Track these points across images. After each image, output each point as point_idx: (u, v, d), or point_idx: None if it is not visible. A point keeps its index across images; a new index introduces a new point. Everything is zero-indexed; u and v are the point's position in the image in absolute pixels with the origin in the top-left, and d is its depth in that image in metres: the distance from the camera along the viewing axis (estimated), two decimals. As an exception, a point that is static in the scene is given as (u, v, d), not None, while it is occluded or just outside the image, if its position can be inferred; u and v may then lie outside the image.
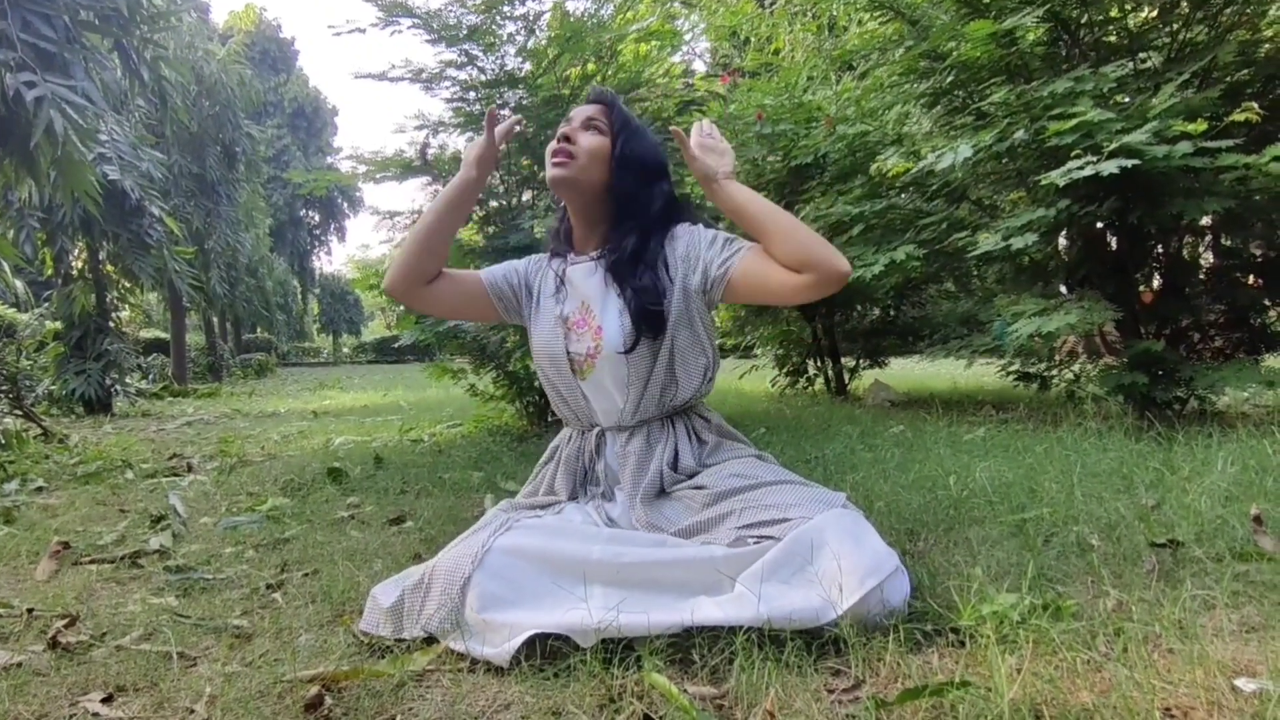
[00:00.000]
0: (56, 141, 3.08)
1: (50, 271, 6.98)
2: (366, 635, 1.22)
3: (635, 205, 1.43)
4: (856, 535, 1.14)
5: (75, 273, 7.11)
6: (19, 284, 8.52)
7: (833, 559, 1.10)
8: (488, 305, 1.51)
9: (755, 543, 1.18)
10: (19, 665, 1.16)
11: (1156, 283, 3.47)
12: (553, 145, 1.42)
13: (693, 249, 1.41)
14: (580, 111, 1.47)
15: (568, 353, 1.43)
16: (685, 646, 1.09)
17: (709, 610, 1.10)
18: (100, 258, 7.11)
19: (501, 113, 1.44)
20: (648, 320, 1.37)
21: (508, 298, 1.52)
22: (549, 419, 3.73)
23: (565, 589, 1.13)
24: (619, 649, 1.07)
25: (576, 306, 1.45)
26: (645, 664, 1.02)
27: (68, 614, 1.37)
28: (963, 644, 1.08)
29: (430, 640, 1.17)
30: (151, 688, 1.08)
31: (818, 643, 1.08)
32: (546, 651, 1.09)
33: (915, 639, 1.09)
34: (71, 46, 3.29)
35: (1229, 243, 3.60)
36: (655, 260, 1.42)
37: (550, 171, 1.42)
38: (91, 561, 1.77)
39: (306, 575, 1.59)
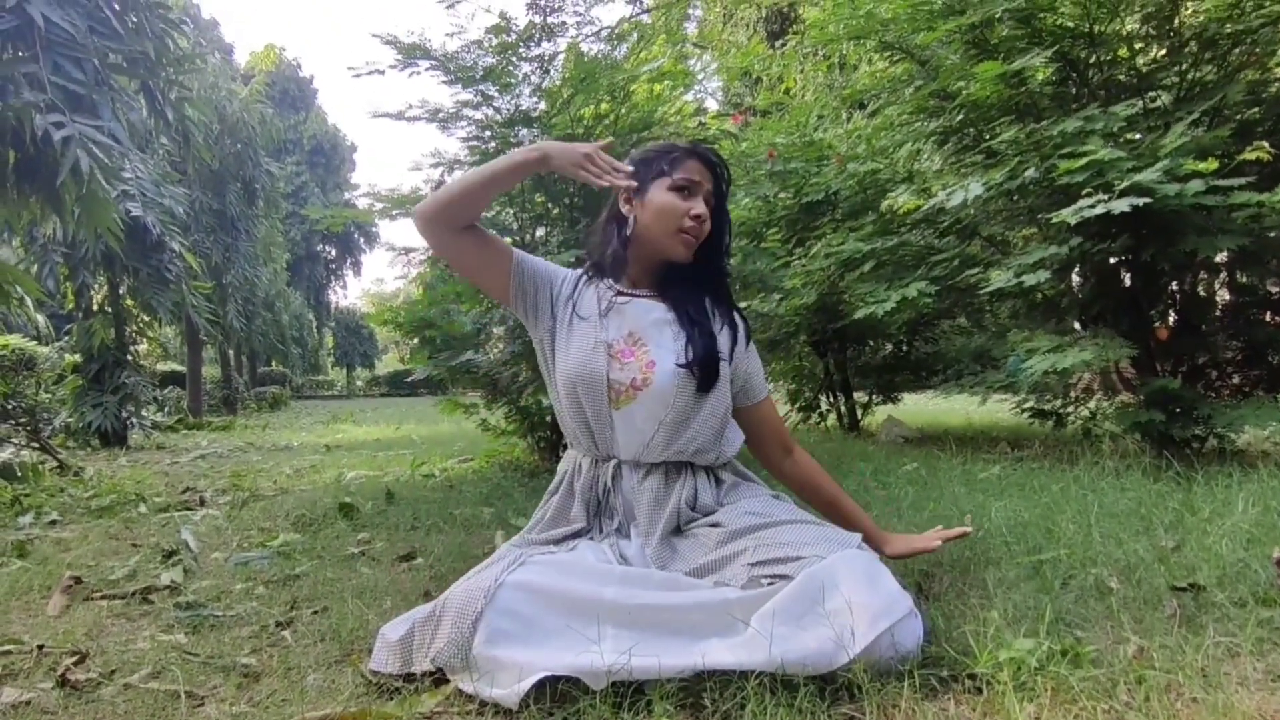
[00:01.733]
0: (82, 180, 3.15)
1: (71, 305, 7.10)
2: (375, 675, 1.21)
3: (710, 264, 1.51)
4: (870, 575, 1.13)
5: (96, 307, 7.22)
6: (40, 318, 8.66)
7: (845, 599, 1.09)
8: (503, 278, 1.47)
9: (769, 583, 1.16)
10: (28, 703, 1.16)
11: (1172, 319, 3.45)
12: (687, 221, 1.41)
13: (745, 361, 1.52)
14: (703, 176, 1.45)
15: (608, 379, 1.41)
16: (696, 690, 1.07)
17: (721, 654, 1.08)
18: (120, 292, 7.22)
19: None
20: (706, 370, 1.41)
21: (528, 285, 1.48)
22: (560, 454, 3.71)
23: (577, 629, 1.12)
24: (629, 692, 1.06)
25: (622, 336, 1.44)
26: (656, 708, 1.01)
27: (77, 651, 1.36)
28: (979, 690, 1.05)
29: (439, 682, 1.16)
30: (158, 728, 1.08)
31: (831, 688, 1.07)
32: (556, 694, 1.08)
33: (931, 685, 1.07)
34: (100, 88, 3.38)
35: (1245, 280, 3.58)
36: (713, 316, 1.50)
37: (679, 249, 1.43)
38: (103, 597, 1.77)
39: (316, 613, 1.59)
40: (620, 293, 1.48)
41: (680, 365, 1.40)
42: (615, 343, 1.43)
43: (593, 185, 1.40)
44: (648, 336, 1.43)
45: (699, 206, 1.42)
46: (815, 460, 1.58)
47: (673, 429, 1.39)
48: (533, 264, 1.50)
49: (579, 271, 1.54)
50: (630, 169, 1.42)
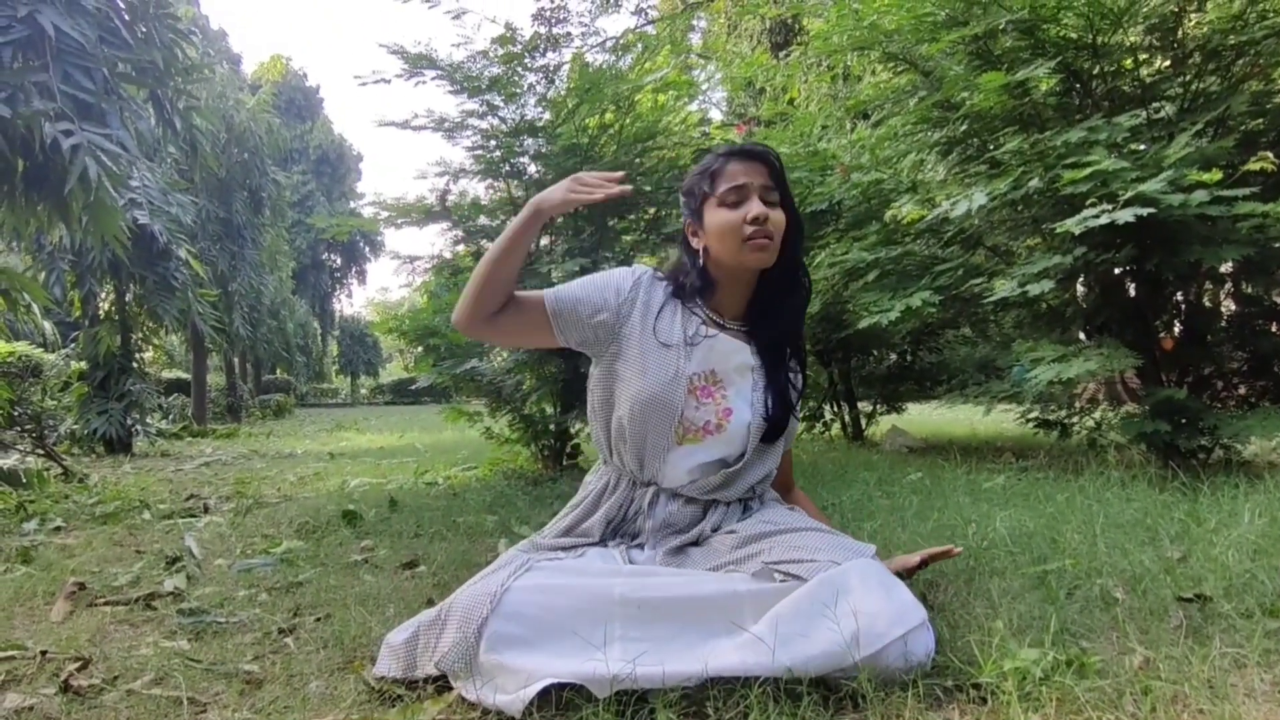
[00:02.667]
0: (90, 187, 3.17)
1: (78, 313, 7.12)
2: (379, 680, 1.21)
3: (790, 279, 1.44)
4: (885, 585, 1.13)
5: (102, 314, 7.24)
6: (47, 325, 8.68)
7: (858, 605, 1.09)
8: (544, 330, 1.40)
9: (781, 579, 1.16)
10: (30, 709, 1.16)
11: (1177, 330, 3.44)
12: (748, 228, 1.34)
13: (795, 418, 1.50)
14: (749, 175, 1.36)
15: (681, 413, 1.36)
16: (700, 699, 1.07)
17: (727, 658, 1.08)
18: (127, 299, 7.24)
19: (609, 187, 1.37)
20: (776, 425, 1.41)
21: (570, 324, 1.39)
22: (564, 463, 3.71)
23: (583, 633, 1.11)
24: (632, 700, 1.05)
25: (704, 372, 1.39)
26: (659, 716, 1.01)
27: (80, 657, 1.37)
28: (984, 701, 1.05)
29: (442, 689, 1.16)
30: (161, 734, 1.07)
31: (835, 697, 1.06)
32: (561, 702, 1.08)
33: (935, 695, 1.07)
34: (109, 97, 3.40)
35: (1250, 290, 3.58)
36: (792, 367, 1.46)
37: (753, 256, 1.35)
38: (106, 603, 1.77)
39: (319, 620, 1.58)
40: (711, 322, 1.42)
41: (759, 419, 1.39)
42: (695, 378, 1.38)
43: (590, 202, 1.38)
44: (729, 380, 1.39)
45: (754, 208, 1.34)
46: (809, 497, 1.63)
47: (730, 475, 1.39)
48: (570, 301, 1.39)
49: (648, 275, 1.46)
50: (621, 174, 1.37)
